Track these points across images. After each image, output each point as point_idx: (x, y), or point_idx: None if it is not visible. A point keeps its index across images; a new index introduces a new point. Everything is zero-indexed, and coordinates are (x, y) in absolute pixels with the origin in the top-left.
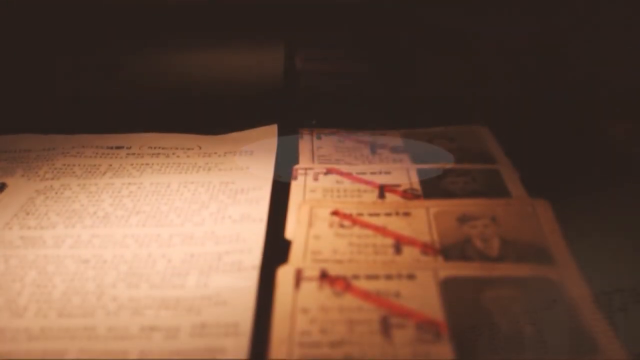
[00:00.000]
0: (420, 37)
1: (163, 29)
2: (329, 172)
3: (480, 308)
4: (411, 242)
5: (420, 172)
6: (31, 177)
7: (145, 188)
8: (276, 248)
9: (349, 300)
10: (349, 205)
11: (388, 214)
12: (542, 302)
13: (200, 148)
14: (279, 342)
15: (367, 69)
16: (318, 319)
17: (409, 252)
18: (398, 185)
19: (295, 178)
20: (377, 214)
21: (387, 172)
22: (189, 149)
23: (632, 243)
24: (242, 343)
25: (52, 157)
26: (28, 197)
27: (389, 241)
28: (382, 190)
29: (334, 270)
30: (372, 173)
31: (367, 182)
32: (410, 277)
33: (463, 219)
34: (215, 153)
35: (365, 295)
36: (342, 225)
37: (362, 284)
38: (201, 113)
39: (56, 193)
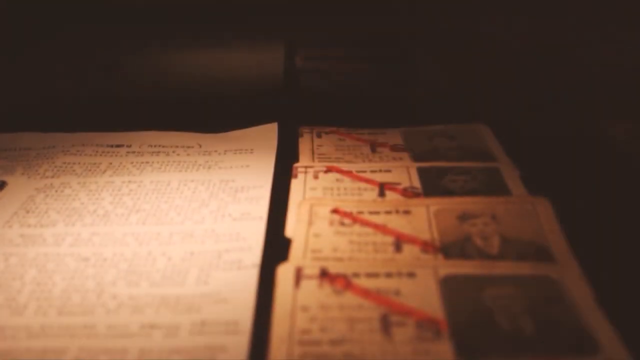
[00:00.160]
0: (420, 37)
1: (164, 28)
2: (329, 170)
3: (480, 306)
4: (411, 240)
5: (420, 171)
6: (31, 176)
7: (145, 186)
8: (276, 246)
9: (349, 298)
10: (349, 204)
11: (388, 212)
12: (542, 300)
13: (200, 146)
14: (279, 340)
15: (367, 67)
16: (318, 317)
17: (409, 250)
18: (398, 184)
19: (296, 176)
20: (377, 212)
21: (388, 171)
22: (189, 147)
23: (632, 241)
24: (242, 341)
25: (52, 155)
26: (28, 195)
27: (389, 239)
28: (382, 189)
29: (334, 268)
30: (372, 171)
31: (367, 181)
32: (411, 275)
33: (463, 217)
34: (216, 151)
35: (366, 293)
36: (342, 224)
37: (362, 282)
38: (202, 112)
39: (56, 191)
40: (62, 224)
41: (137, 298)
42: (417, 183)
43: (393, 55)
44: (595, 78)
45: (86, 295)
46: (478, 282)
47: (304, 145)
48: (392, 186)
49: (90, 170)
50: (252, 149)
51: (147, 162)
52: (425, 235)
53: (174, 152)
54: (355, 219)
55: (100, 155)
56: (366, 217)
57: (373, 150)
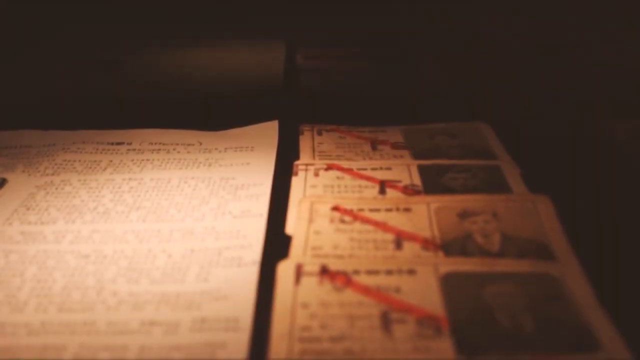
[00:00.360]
0: (420, 37)
1: (164, 28)
2: (329, 168)
3: (480, 304)
4: (412, 238)
5: (421, 168)
6: (32, 173)
7: (145, 184)
8: (276, 243)
9: (349, 295)
10: (349, 201)
11: (389, 210)
12: (542, 298)
13: (200, 144)
14: (279, 337)
15: (368, 66)
16: (318, 314)
17: (410, 248)
18: (399, 181)
19: (296, 174)
20: (377, 210)
21: (388, 168)
22: (189, 144)
23: (633, 239)
24: (242, 338)
25: (52, 153)
26: (28, 192)
27: (390, 236)
28: (383, 186)
29: (334, 265)
30: (373, 169)
31: (367, 178)
32: (411, 272)
33: (464, 215)
34: (216, 149)
35: (366, 290)
36: (342, 221)
37: (363, 279)
38: (203, 110)
39: (56, 189)
40: (63, 221)
41: (137, 295)
42: (417, 181)
43: (393, 55)
44: (595, 78)
45: (86, 292)
46: (478, 279)
47: (305, 143)
48: (392, 184)
49: (90, 167)
50: (252, 147)
51: (148, 160)
52: (425, 233)
53: (174, 149)
54: (355, 216)
55: (101, 152)
56: (367, 214)
57: (374, 148)
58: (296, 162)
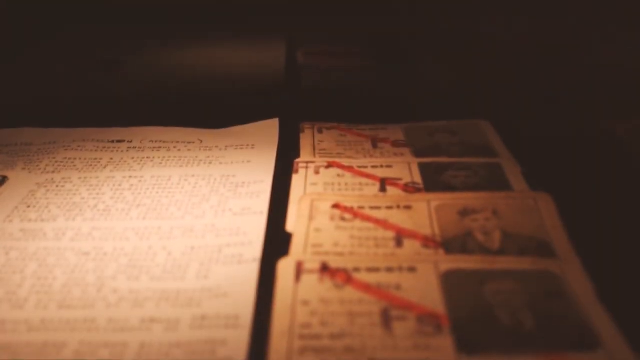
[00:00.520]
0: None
1: (164, 28)
2: (330, 165)
3: (481, 301)
4: (412, 235)
5: (421, 166)
6: (32, 171)
7: (146, 181)
8: (277, 241)
9: (349, 292)
10: (350, 199)
11: (389, 207)
12: (543, 295)
13: (201, 142)
14: (279, 334)
15: (368, 65)
16: (319, 312)
17: (410, 245)
18: (399, 179)
19: (297, 171)
20: (378, 207)
21: (389, 166)
22: (190, 142)
23: (633, 237)
24: (242, 335)
25: (53, 150)
26: (29, 190)
27: (390, 234)
28: (384, 184)
29: (335, 262)
30: (374, 167)
31: (368, 176)
32: (411, 269)
33: (464, 213)
34: (217, 147)
35: (366, 287)
36: (343, 219)
37: (363, 277)
38: (203, 108)
39: (57, 186)
40: (63, 219)
41: (137, 292)
42: (418, 178)
43: (393, 55)
44: (595, 78)
45: (87, 289)
46: (479, 277)
47: (305, 141)
48: (393, 181)
49: (91, 165)
50: (253, 145)
51: (148, 158)
52: (426, 231)
53: (175, 147)
54: (356, 214)
55: (101, 150)
56: (367, 212)
57: (374, 146)
58: (297, 160)
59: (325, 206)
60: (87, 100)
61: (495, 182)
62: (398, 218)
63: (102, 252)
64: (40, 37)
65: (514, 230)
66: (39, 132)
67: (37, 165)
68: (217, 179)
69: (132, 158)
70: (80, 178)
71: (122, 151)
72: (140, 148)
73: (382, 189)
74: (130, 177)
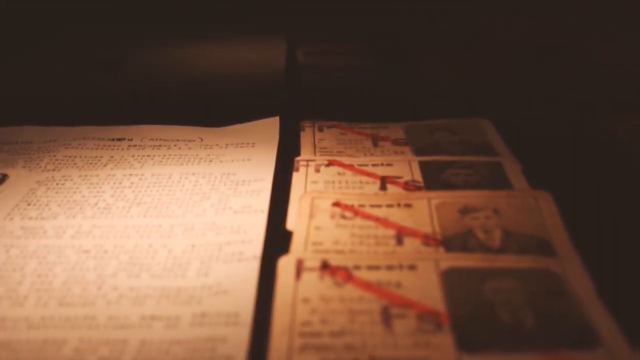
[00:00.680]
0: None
1: (164, 28)
2: (330, 163)
3: (481, 299)
4: (413, 233)
5: (422, 164)
6: (32, 169)
7: (146, 179)
8: (277, 239)
9: (350, 290)
10: (350, 197)
11: (390, 206)
12: (543, 293)
13: (201, 140)
14: (279, 332)
15: (368, 65)
16: (319, 309)
17: (411, 243)
18: (400, 177)
19: (297, 170)
20: (378, 206)
21: (389, 164)
22: (190, 140)
23: (634, 235)
24: (242, 333)
25: (53, 148)
26: (29, 188)
27: (391, 232)
28: (384, 182)
29: (335, 260)
30: (374, 165)
31: (368, 174)
32: (412, 267)
33: (465, 211)
34: (217, 145)
35: (366, 285)
36: (343, 217)
37: (363, 275)
38: (204, 106)
39: (57, 184)
40: (63, 217)
41: (137, 290)
42: (418, 177)
43: (393, 55)
44: (595, 78)
45: (87, 287)
46: (479, 275)
47: (306, 139)
48: (393, 180)
49: (91, 163)
50: (253, 143)
51: (149, 156)
52: (426, 229)
53: (175, 145)
54: (356, 212)
55: (102, 148)
56: (367, 210)
57: (375, 144)
58: (297, 158)
59: (325, 204)
60: (88, 99)
61: (495, 180)
62: (398, 216)
63: (103, 250)
64: (40, 37)
65: (515, 229)
66: (40, 130)
67: (38, 164)
68: (218, 177)
69: (133, 156)
70: (80, 176)
71: (122, 149)
72: (141, 146)
73: (383, 187)
74: (130, 175)
